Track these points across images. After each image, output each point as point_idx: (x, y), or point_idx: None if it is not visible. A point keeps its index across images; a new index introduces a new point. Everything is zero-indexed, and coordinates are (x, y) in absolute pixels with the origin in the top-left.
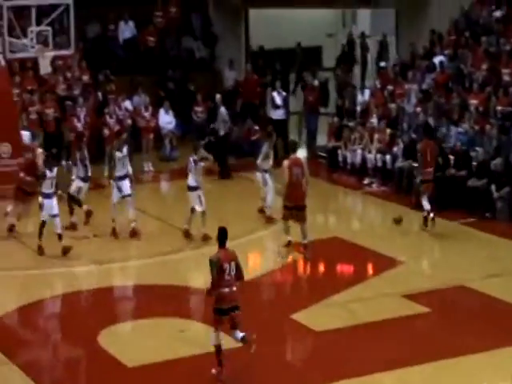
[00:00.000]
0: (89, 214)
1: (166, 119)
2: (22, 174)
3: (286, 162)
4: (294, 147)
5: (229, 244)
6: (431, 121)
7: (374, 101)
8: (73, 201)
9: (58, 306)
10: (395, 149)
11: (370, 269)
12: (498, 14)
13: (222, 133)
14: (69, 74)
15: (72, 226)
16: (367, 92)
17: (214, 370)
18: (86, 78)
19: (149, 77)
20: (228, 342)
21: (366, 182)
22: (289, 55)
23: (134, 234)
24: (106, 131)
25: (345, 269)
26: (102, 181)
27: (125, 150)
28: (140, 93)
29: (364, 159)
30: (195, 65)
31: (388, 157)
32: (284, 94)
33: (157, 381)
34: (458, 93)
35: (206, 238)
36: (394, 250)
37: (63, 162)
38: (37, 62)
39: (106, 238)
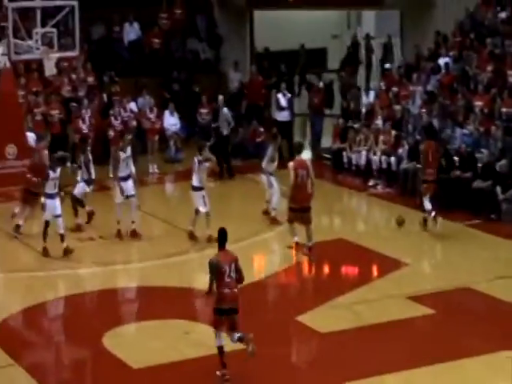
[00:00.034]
0: (91, 214)
1: (171, 121)
2: (28, 175)
3: (291, 164)
4: (299, 149)
5: (234, 246)
6: (436, 122)
7: (378, 102)
8: (76, 202)
9: (62, 308)
10: (400, 150)
11: (374, 270)
12: (503, 15)
13: (225, 133)
14: (74, 76)
15: (77, 228)
16: (372, 93)
17: (218, 372)
18: (90, 79)
19: (154, 78)
20: (232, 345)
21: (370, 183)
22: (293, 57)
23: (134, 234)
24: (111, 133)
25: (350, 270)
26: (107, 182)
27: (128, 150)
28: (145, 94)
29: (369, 161)
30: (200, 66)
31: (393, 158)
32: (289, 95)
33: (162, 382)
34: (462, 94)
35: (210, 240)
36: (398, 251)
37: (68, 164)
38: (42, 64)
39: (110, 240)
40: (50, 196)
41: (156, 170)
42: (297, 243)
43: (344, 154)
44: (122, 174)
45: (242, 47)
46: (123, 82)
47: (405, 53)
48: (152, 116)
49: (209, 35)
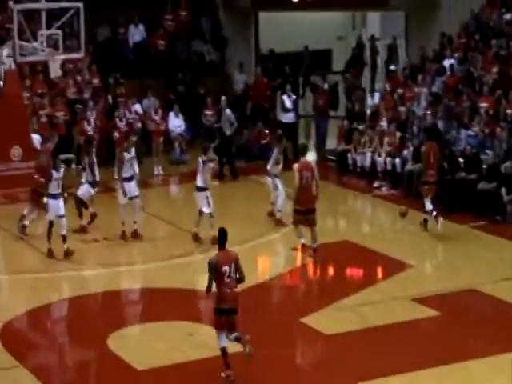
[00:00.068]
0: (93, 216)
1: (176, 122)
2: (36, 176)
3: (296, 166)
4: (303, 151)
5: (239, 247)
6: (441, 124)
7: (383, 104)
8: (80, 203)
9: (67, 310)
10: (405, 152)
11: (379, 272)
12: (508, 16)
13: (227, 133)
14: (79, 78)
15: (81, 229)
16: (377, 95)
17: (223, 374)
18: (96, 81)
19: (159, 80)
20: (237, 347)
21: (375, 185)
22: (299, 58)
23: (135, 235)
24: (116, 134)
25: (354, 272)
26: (112, 184)
27: (133, 151)
28: (150, 96)
29: (374, 162)
30: (205, 68)
31: (398, 160)
32: (294, 97)
33: None
34: (468, 96)
35: (214, 241)
36: (403, 253)
37: (73, 166)
38: (47, 66)
39: (115, 241)
40: (54, 196)
41: (161, 172)
42: (303, 245)
43: (349, 155)
44: (125, 174)
45: (246, 49)
46: (128, 84)
47: (410, 54)
48: (157, 118)
49: (214, 37)
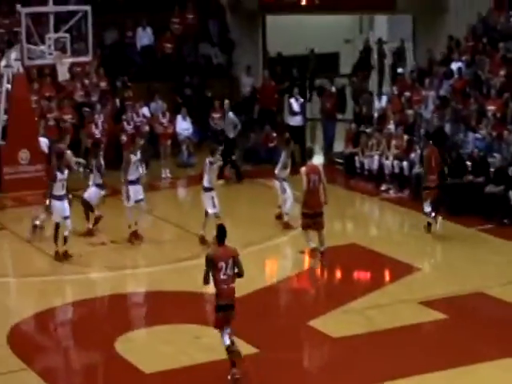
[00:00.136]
0: (98, 219)
1: (184, 125)
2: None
3: (303, 169)
4: (309, 154)
5: (247, 250)
6: (448, 127)
7: (391, 107)
8: (86, 206)
9: (74, 313)
10: (412, 155)
11: (387, 275)
12: None
13: (231, 136)
14: (86, 81)
15: (88, 232)
16: (384, 98)
17: (229, 377)
18: (103, 84)
19: (166, 83)
20: (245, 349)
21: (383, 188)
22: (306, 61)
23: (136, 236)
24: (124, 138)
25: (362, 275)
26: (119, 186)
27: (139, 153)
28: (157, 99)
29: (381, 165)
30: (212, 71)
31: (405, 163)
32: (301, 100)
33: None
34: (475, 99)
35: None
36: (411, 256)
37: (81, 169)
38: (55, 69)
39: (122, 244)
40: (58, 198)
41: (168, 175)
42: (313, 249)
43: (356, 158)
44: (131, 177)
45: (254, 52)
46: (136, 87)
47: (417, 57)
48: (164, 121)
49: (221, 40)
